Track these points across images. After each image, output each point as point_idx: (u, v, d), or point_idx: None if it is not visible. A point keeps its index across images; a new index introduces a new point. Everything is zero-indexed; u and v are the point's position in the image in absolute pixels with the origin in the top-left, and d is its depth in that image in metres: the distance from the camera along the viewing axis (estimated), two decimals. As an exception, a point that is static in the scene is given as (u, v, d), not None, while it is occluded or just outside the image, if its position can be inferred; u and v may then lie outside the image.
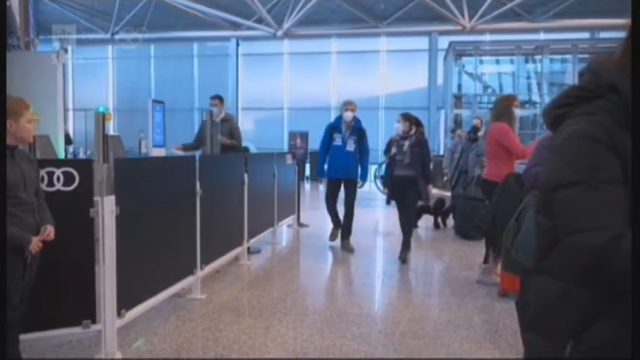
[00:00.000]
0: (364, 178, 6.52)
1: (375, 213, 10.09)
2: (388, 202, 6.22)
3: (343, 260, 6.19)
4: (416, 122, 6.01)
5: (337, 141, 6.38)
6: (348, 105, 6.44)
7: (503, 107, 4.84)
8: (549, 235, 1.20)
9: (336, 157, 6.40)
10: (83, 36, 20.12)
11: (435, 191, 7.02)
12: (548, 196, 1.15)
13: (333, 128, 6.48)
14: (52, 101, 12.44)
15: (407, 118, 5.97)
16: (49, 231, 2.72)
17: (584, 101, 1.20)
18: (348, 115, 6.36)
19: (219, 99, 6.78)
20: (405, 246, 5.97)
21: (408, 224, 6.07)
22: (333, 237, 6.70)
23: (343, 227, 6.56)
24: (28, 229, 2.64)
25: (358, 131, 6.42)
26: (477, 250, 6.03)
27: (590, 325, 1.15)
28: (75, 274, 3.15)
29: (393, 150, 5.94)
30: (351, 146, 6.35)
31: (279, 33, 17.87)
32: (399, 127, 5.94)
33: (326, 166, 6.54)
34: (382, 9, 18.22)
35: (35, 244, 2.64)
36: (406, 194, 5.92)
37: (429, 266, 6.17)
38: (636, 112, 1.09)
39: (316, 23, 18.21)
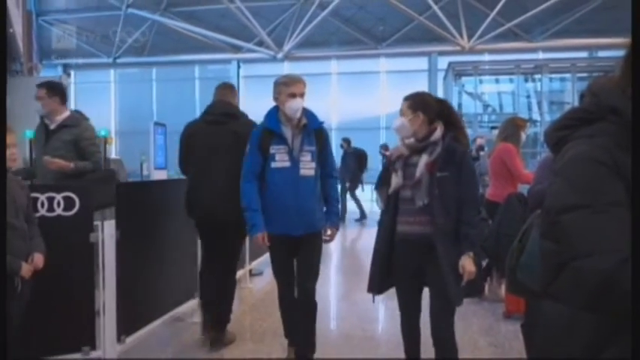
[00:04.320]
0: (335, 220, 3.41)
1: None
2: (373, 290, 2.95)
3: (346, 281, 6.13)
4: (443, 112, 2.83)
5: (280, 159, 3.17)
6: (290, 84, 3.25)
7: (512, 129, 4.81)
8: (555, 259, 1.18)
9: (280, 193, 3.17)
10: (85, 60, 20.40)
11: None
12: (553, 219, 1.14)
13: (267, 133, 3.23)
14: (55, 125, 12.52)
15: (419, 103, 2.81)
16: (37, 259, 2.68)
17: (586, 123, 1.19)
18: (294, 106, 3.21)
19: (46, 88, 3.97)
20: None
21: (441, 351, 2.77)
22: None
23: (297, 338, 3.43)
24: (19, 255, 2.60)
25: (316, 133, 3.30)
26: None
27: (601, 351, 1.13)
28: (75, 300, 3.12)
29: (395, 181, 2.76)
30: (308, 166, 3.21)
31: (280, 55, 18.03)
32: (402, 124, 2.79)
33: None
34: (381, 30, 18.41)
35: (27, 269, 2.60)
36: (426, 276, 2.78)
37: (432, 287, 6.11)
38: (636, 114, 1.09)
39: (316, 45, 18.38)
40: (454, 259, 2.67)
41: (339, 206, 3.59)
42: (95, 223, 3.16)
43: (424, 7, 16.24)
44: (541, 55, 17.88)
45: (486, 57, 18.08)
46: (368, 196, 11.50)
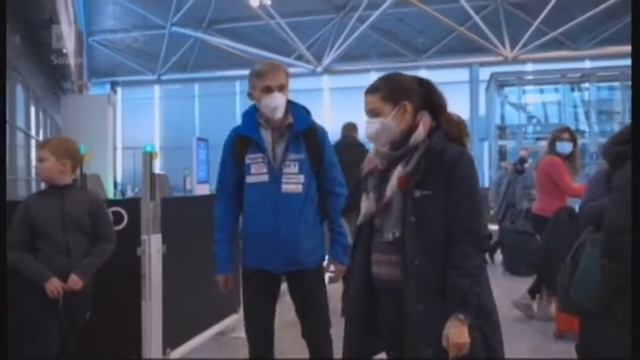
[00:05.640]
0: (339, 253, 2.53)
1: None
2: (351, 355, 1.95)
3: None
4: (429, 100, 1.90)
5: (256, 172, 2.47)
6: (265, 75, 2.45)
7: (551, 139, 4.79)
8: (615, 280, 1.12)
9: (256, 215, 2.49)
10: (131, 78, 21.13)
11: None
12: (615, 239, 1.08)
13: (242, 139, 2.54)
14: (103, 141, 13.04)
15: (399, 90, 1.86)
16: (71, 281, 2.57)
17: (649, 137, 1.14)
18: (270, 103, 2.42)
19: None
20: None
21: None
22: None
23: None
24: (55, 269, 2.55)
25: (307, 136, 2.54)
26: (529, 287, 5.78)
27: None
28: (122, 312, 3.18)
29: (366, 205, 1.91)
30: (293, 180, 2.46)
31: (319, 69, 18.18)
32: (384, 127, 1.84)
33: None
34: (421, 42, 18.33)
35: (54, 286, 2.51)
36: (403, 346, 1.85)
37: (477, 303, 5.94)
38: (636, 115, 1.03)
39: (355, 58, 18.44)
40: (437, 322, 1.72)
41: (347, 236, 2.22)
42: (142, 237, 3.22)
43: (465, 17, 16.08)
44: (588, 64, 17.38)
45: (529, 67, 17.70)
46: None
